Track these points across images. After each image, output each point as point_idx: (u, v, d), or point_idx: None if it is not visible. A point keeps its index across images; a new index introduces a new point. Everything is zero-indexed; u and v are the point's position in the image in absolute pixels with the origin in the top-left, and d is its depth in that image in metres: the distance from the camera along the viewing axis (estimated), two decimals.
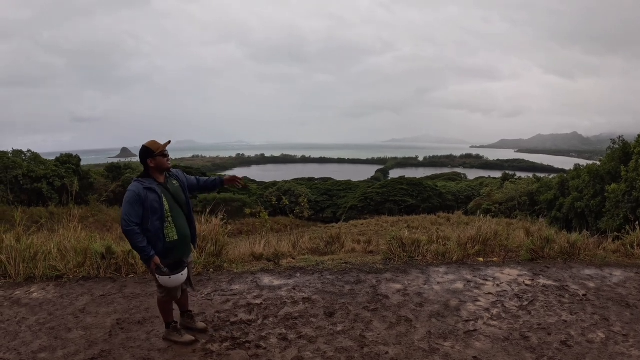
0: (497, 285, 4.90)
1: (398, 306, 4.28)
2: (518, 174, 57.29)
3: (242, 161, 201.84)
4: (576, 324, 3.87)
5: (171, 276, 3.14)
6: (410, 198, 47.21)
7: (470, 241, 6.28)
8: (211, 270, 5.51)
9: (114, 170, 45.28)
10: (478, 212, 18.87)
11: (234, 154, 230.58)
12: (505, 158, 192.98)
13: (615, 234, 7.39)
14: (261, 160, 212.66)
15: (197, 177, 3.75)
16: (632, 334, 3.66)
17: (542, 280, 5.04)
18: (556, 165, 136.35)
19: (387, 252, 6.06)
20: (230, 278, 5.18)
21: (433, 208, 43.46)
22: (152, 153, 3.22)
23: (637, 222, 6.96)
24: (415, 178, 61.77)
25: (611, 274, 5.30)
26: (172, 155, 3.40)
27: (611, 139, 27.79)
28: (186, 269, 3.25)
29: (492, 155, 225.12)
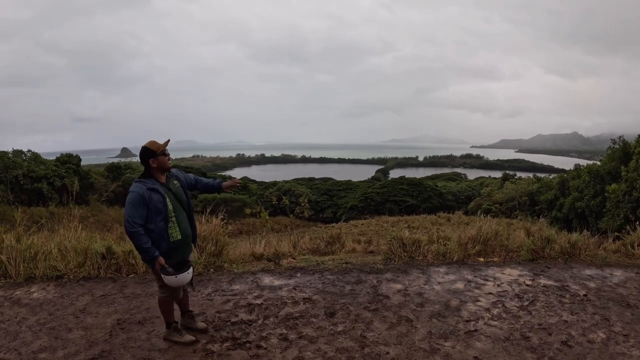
0: (498, 285, 4.90)
1: (399, 306, 4.28)
2: (518, 174, 57.27)
3: (242, 161, 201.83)
4: (577, 324, 3.86)
5: (177, 275, 3.15)
6: (411, 198, 47.21)
7: (471, 241, 6.28)
8: (211, 270, 5.51)
9: (114, 170, 45.29)
10: (478, 212, 18.85)
11: (234, 154, 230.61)
12: (506, 158, 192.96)
13: (616, 234, 7.39)
14: (261, 160, 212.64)
15: (196, 176, 3.73)
16: (633, 334, 3.66)
17: (543, 280, 5.04)
18: (556, 165, 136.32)
19: (387, 252, 6.06)
20: (231, 278, 5.18)
21: (433, 208, 43.47)
22: (154, 153, 3.21)
23: (637, 222, 6.96)
24: (416, 178, 61.77)
25: (612, 274, 5.29)
26: (173, 155, 3.40)
27: (611, 139, 27.77)
28: (191, 268, 3.26)
29: (492, 155, 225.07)
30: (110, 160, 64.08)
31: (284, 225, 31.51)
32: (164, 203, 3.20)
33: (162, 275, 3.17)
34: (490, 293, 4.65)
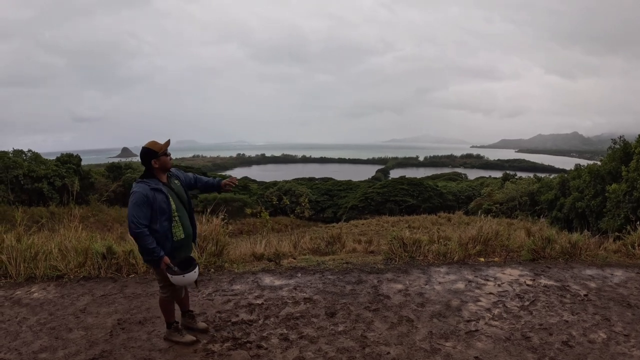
0: (499, 285, 4.89)
1: (399, 306, 4.27)
2: (519, 174, 57.27)
3: (243, 161, 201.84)
4: (577, 324, 3.86)
5: (185, 275, 3.15)
6: (411, 198, 47.21)
7: (471, 241, 6.28)
8: (212, 270, 5.51)
9: (114, 170, 45.34)
10: (479, 212, 18.86)
11: (234, 154, 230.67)
12: (506, 158, 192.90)
13: (616, 234, 7.38)
14: (262, 160, 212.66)
15: (195, 175, 3.73)
16: (634, 334, 3.65)
17: (544, 280, 5.04)
18: (557, 165, 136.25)
19: (388, 252, 6.05)
20: (231, 278, 5.18)
21: (434, 208, 43.47)
22: (155, 154, 3.21)
23: (638, 222, 6.95)
24: (416, 178, 61.78)
25: (612, 274, 5.29)
26: (173, 155, 3.40)
27: (612, 139, 27.75)
28: (198, 267, 3.27)
29: (492, 155, 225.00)
30: (111, 160, 64.12)
31: (284, 225, 31.51)
32: (167, 203, 3.21)
33: (169, 275, 3.16)
34: (491, 293, 4.64)
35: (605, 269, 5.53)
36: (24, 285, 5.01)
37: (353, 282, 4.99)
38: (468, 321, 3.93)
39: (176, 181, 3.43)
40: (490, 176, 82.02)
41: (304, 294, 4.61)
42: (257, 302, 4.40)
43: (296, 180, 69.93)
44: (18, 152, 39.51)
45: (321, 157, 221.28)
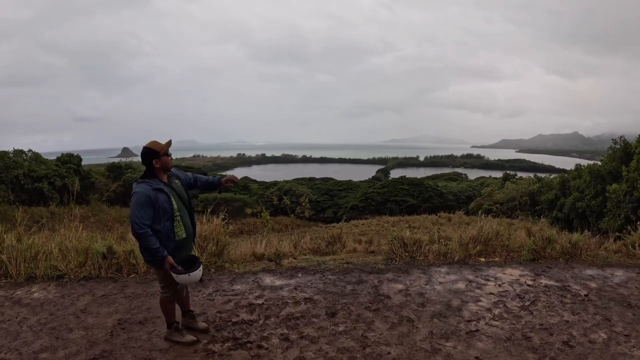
0: (499, 285, 4.89)
1: (400, 306, 4.27)
2: (519, 174, 57.26)
3: (243, 161, 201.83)
4: (578, 324, 3.86)
5: (191, 274, 3.16)
6: (411, 198, 47.21)
7: (472, 241, 6.27)
8: (212, 270, 5.51)
9: (114, 170, 45.34)
10: (479, 212, 18.85)
11: (234, 154, 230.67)
12: (506, 158, 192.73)
13: (617, 234, 7.38)
14: (262, 160, 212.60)
15: (195, 174, 3.73)
16: (634, 334, 3.65)
17: (544, 281, 5.03)
18: (557, 165, 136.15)
19: (388, 252, 6.05)
20: (232, 278, 5.18)
21: (434, 208, 43.47)
22: (157, 154, 3.20)
23: (638, 222, 6.95)
24: (416, 178, 61.78)
25: (613, 274, 5.29)
26: (174, 155, 3.40)
27: (612, 139, 27.76)
28: (202, 265, 3.28)
29: (493, 155, 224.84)
30: (111, 160, 64.15)
31: (284, 225, 31.51)
32: (169, 203, 3.21)
33: (174, 275, 3.16)
34: (491, 293, 4.64)
35: (605, 269, 5.53)
36: (25, 285, 5.01)
37: (353, 282, 4.99)
38: (469, 321, 3.93)
39: (177, 181, 3.43)
40: (490, 176, 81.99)
41: (305, 294, 4.61)
42: (258, 302, 4.40)
43: (296, 180, 69.92)
44: (18, 152, 39.53)
45: (321, 157, 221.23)
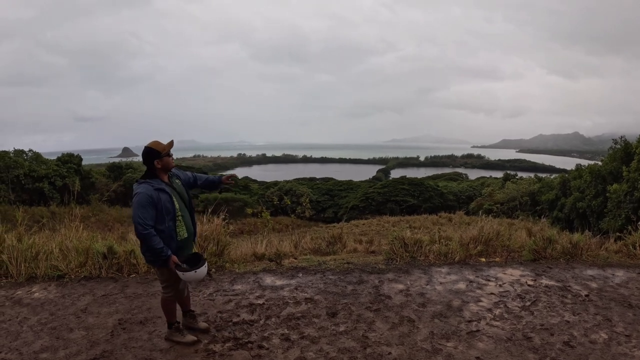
0: (500, 285, 4.89)
1: (400, 306, 4.27)
2: (519, 174, 57.24)
3: (244, 161, 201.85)
4: (579, 325, 3.85)
5: (197, 270, 3.16)
6: (412, 198, 47.19)
7: (472, 241, 6.27)
8: (213, 270, 5.50)
9: (115, 170, 45.34)
10: (480, 212, 18.84)
11: (235, 154, 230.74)
12: (507, 158, 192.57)
13: (617, 234, 7.36)
14: (262, 160, 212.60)
15: (194, 174, 3.72)
16: (635, 334, 3.65)
17: (545, 281, 5.03)
18: (558, 166, 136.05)
19: (389, 252, 6.05)
20: (232, 278, 5.18)
21: (434, 208, 43.46)
22: (158, 154, 3.20)
23: (639, 222, 6.93)
24: (417, 178, 61.76)
25: (613, 275, 5.28)
26: (174, 154, 3.40)
27: (613, 139, 27.75)
28: (206, 261, 3.28)
29: (493, 155, 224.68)
30: (112, 160, 64.16)
31: (285, 225, 31.50)
32: (171, 203, 3.21)
33: (180, 273, 3.16)
34: (492, 293, 4.64)
35: (606, 269, 5.52)
36: (25, 285, 5.01)
37: (354, 282, 4.99)
38: (469, 321, 3.92)
39: (177, 181, 3.43)
40: (491, 176, 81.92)
41: (305, 294, 4.61)
42: (258, 302, 4.40)
43: (297, 180, 69.90)
44: (19, 152, 39.54)
45: (322, 157, 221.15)
